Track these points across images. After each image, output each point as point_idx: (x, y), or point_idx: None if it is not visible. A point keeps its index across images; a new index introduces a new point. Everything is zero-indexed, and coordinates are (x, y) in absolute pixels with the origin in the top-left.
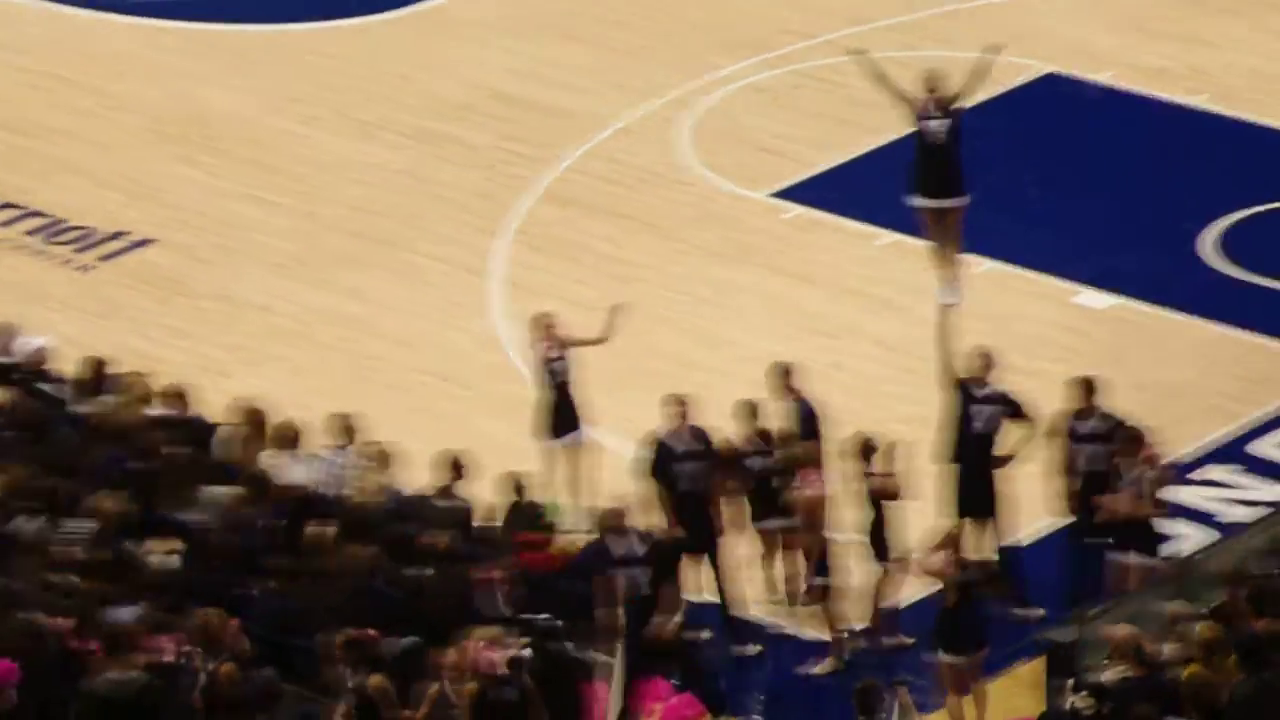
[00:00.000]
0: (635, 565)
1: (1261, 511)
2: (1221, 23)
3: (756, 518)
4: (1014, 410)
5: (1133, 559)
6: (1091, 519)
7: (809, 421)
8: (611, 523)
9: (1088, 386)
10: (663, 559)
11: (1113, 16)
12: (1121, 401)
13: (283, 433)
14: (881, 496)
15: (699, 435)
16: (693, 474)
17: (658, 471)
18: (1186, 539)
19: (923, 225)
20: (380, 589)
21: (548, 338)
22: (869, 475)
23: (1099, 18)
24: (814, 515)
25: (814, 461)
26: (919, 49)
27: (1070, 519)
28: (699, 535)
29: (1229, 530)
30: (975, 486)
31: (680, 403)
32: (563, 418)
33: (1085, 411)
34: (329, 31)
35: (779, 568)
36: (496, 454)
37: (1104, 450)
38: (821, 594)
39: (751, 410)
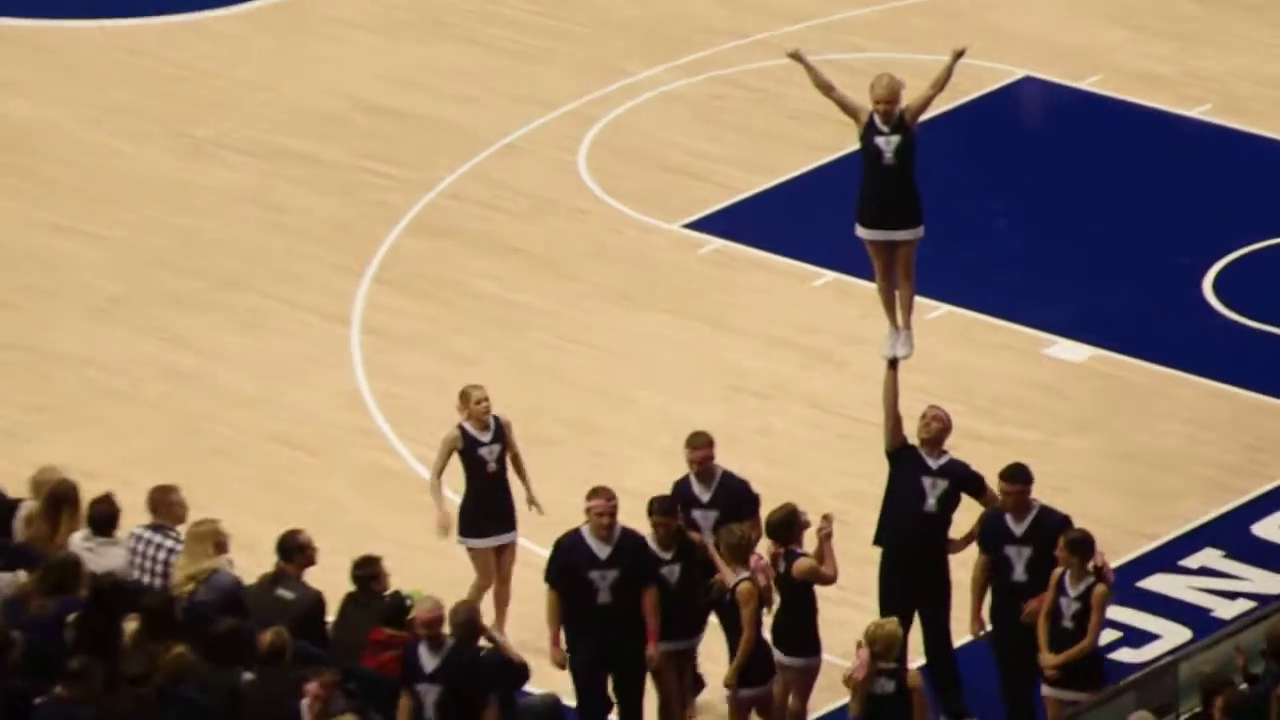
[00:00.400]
0: (429, 682)
1: (1251, 606)
2: (1227, 19)
3: (664, 636)
4: (974, 487)
5: (1070, 695)
6: (1024, 635)
7: (744, 497)
8: (423, 630)
9: (1022, 477)
10: (471, 674)
11: (1100, 11)
12: (1104, 472)
13: (98, 510)
14: (812, 581)
15: (628, 538)
16: (615, 584)
17: (560, 577)
18: (1170, 639)
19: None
20: (187, 696)
21: (475, 416)
22: (794, 555)
23: (1083, 12)
24: (754, 611)
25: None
26: (868, 50)
27: (996, 635)
28: (622, 659)
29: (1219, 628)
30: (921, 575)
31: (610, 498)
32: (491, 514)
33: (1019, 508)
34: (159, 29)
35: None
36: (354, 535)
37: (1041, 556)
38: (747, 707)
39: (668, 507)
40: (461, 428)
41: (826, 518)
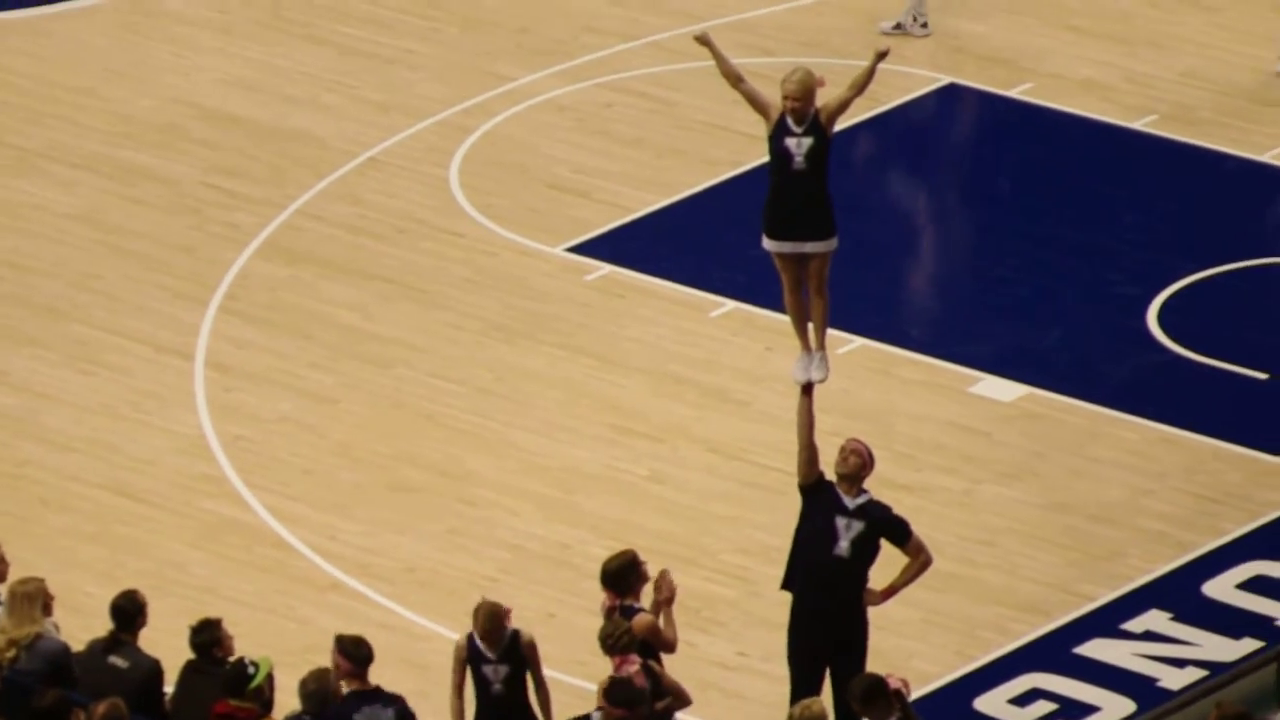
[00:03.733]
0: None
1: (1202, 675)
2: (1177, 18)
3: None
4: (895, 533)
5: None
6: None
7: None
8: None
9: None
10: None
11: (1033, 10)
12: (1036, 524)
13: None
14: (652, 643)
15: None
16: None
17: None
18: (1111, 711)
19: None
20: None
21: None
22: (632, 611)
23: (1016, 10)
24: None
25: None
26: (777, 54)
27: None
28: None
29: (1166, 699)
30: (832, 628)
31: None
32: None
33: None
34: None
35: None
36: (197, 595)
37: None
38: None
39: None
40: (469, 637)
41: (663, 574)
